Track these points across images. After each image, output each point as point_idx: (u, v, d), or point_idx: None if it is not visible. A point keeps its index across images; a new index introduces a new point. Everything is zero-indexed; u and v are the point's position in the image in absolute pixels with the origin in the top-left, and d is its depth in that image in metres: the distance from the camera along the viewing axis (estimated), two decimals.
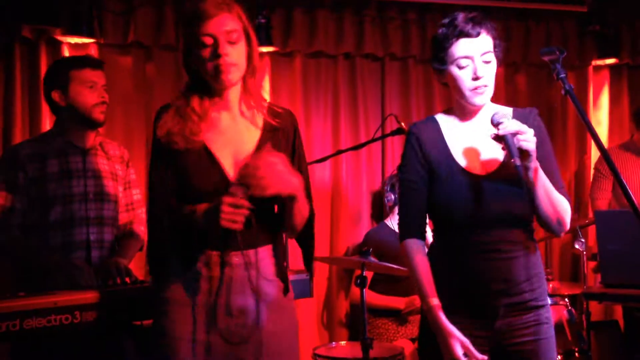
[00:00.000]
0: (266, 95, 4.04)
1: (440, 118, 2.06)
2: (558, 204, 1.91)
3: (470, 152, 1.98)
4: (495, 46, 1.94)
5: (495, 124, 1.84)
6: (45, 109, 3.51)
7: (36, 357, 2.27)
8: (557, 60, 1.84)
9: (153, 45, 3.82)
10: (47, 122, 3.56)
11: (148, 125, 3.82)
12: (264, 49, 3.97)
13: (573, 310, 3.25)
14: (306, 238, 2.02)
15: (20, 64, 3.62)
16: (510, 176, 1.87)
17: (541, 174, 1.86)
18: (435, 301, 1.90)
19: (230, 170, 1.87)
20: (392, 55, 4.26)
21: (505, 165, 1.93)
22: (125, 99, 3.84)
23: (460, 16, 1.92)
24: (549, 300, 2.02)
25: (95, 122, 2.56)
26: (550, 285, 3.48)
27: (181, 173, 1.87)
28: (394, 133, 3.12)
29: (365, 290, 3.70)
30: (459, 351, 1.83)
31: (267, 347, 1.87)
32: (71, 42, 3.67)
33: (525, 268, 1.93)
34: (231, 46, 1.84)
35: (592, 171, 4.28)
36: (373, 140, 3.34)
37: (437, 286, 1.93)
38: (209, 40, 1.83)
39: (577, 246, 3.43)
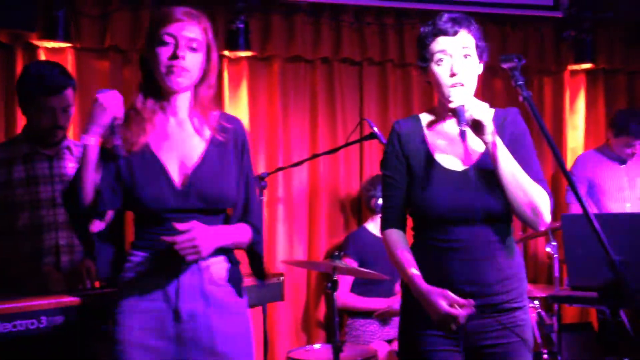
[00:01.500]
0: (244, 99, 4.06)
1: (423, 116, 2.10)
2: (531, 191, 1.88)
3: (448, 150, 2.01)
4: (477, 47, 1.98)
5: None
6: (20, 113, 3.50)
7: None
8: (515, 67, 1.88)
9: (130, 49, 3.83)
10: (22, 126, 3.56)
11: None
12: (242, 54, 3.99)
13: (542, 313, 3.28)
14: (253, 253, 2.05)
15: None
16: (486, 174, 1.89)
17: (507, 154, 1.88)
18: (414, 270, 1.93)
19: (175, 176, 1.88)
20: (370, 60, 4.29)
21: (481, 163, 1.95)
22: None
23: (443, 16, 1.97)
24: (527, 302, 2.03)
25: (49, 143, 2.55)
26: None
27: (125, 177, 1.88)
28: (367, 138, 3.15)
29: (346, 293, 3.76)
30: (445, 304, 1.83)
31: (219, 351, 1.87)
32: (47, 47, 3.68)
33: (499, 269, 1.93)
34: (190, 52, 1.88)
35: None
36: (346, 144, 3.38)
37: None
38: (170, 40, 1.87)
39: (548, 249, 3.47)
